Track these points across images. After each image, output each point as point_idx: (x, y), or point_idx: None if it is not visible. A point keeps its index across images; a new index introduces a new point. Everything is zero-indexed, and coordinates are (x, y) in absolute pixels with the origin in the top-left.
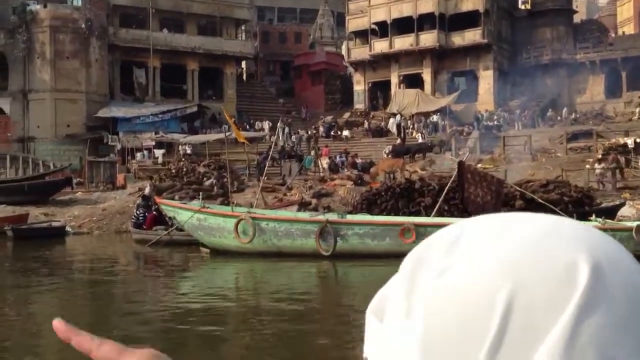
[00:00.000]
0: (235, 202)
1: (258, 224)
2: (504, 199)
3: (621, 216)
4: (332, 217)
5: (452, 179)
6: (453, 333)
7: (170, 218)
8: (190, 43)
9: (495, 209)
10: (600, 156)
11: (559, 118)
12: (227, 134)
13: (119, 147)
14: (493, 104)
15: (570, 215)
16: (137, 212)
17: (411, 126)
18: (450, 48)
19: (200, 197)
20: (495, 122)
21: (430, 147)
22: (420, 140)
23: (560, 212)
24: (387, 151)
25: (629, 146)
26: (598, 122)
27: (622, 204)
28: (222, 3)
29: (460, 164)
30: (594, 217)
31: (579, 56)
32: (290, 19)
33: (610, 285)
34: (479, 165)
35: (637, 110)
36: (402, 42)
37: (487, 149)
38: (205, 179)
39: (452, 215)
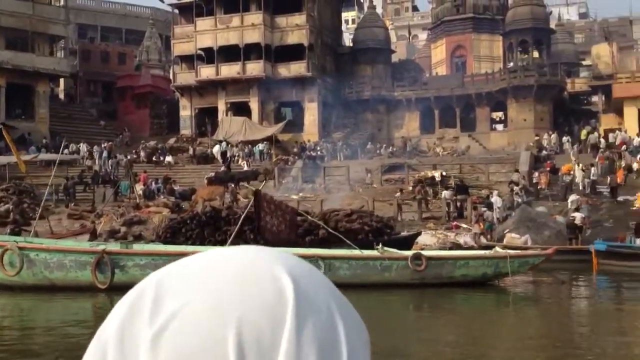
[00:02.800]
0: (35, 230)
1: (27, 255)
2: (307, 227)
3: (424, 245)
4: (114, 247)
5: (247, 207)
6: None
7: None
8: None
9: (289, 237)
10: (411, 188)
11: (377, 151)
12: (34, 155)
13: None
14: (318, 134)
15: (370, 243)
16: None
17: (237, 154)
18: (276, 78)
19: None
20: (319, 153)
21: (255, 175)
22: (245, 168)
23: (350, 243)
24: (208, 179)
25: (437, 179)
26: (412, 156)
27: (419, 233)
28: (35, 17)
29: (257, 193)
30: (380, 246)
31: (396, 93)
32: (114, 39)
33: (312, 295)
34: (300, 194)
35: (443, 146)
36: (229, 70)
37: (310, 179)
38: (2, 204)
39: (253, 242)
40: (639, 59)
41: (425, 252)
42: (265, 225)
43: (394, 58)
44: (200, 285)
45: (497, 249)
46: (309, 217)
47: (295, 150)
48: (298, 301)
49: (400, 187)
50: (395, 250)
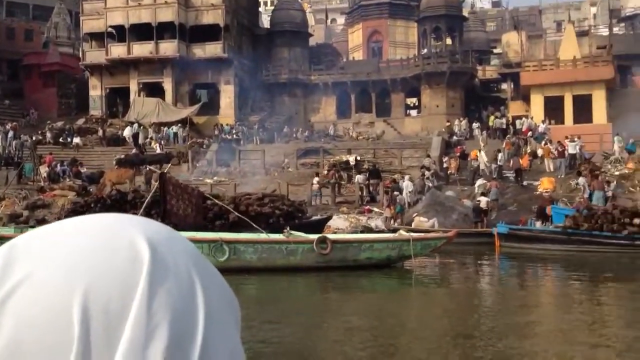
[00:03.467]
0: None
1: None
2: (218, 212)
3: (336, 228)
4: (6, 231)
5: (153, 191)
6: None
7: None
8: None
9: (196, 221)
10: (326, 172)
11: (294, 135)
12: None
13: None
14: (234, 117)
15: (282, 227)
16: None
17: (150, 136)
18: (191, 59)
19: None
20: (235, 136)
21: (168, 158)
22: (158, 151)
23: (257, 227)
24: (117, 161)
25: (351, 163)
26: (329, 140)
27: (329, 217)
28: None
29: (162, 176)
30: (287, 230)
31: (313, 77)
32: (21, 15)
33: (170, 263)
34: (215, 178)
35: (358, 131)
36: (142, 49)
37: (225, 162)
38: None
39: None
40: (547, 47)
41: (330, 236)
42: (171, 209)
43: (312, 41)
44: (52, 252)
45: (402, 232)
46: (216, 201)
47: (216, 133)
48: (153, 268)
49: (316, 171)
50: (301, 233)
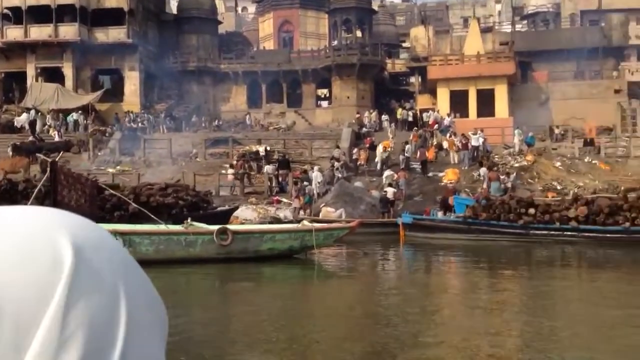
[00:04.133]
0: None
1: None
2: (116, 202)
3: (244, 219)
4: None
5: (42, 181)
6: None
7: None
8: None
9: (91, 212)
10: (235, 162)
11: (203, 125)
12: None
13: None
14: (139, 105)
15: (184, 218)
16: None
17: (48, 123)
18: (93, 44)
19: None
20: (140, 124)
21: (67, 146)
22: (56, 139)
23: (155, 218)
24: (11, 149)
25: (261, 154)
26: (239, 130)
27: (235, 208)
28: None
29: (53, 165)
30: (187, 221)
31: (223, 66)
32: None
33: (95, 269)
34: (118, 168)
35: (269, 122)
36: (40, 32)
37: (129, 151)
38: None
39: None
40: (453, 43)
41: (231, 227)
42: (62, 200)
43: (221, 29)
44: None
45: (305, 222)
46: (113, 192)
47: (122, 120)
48: (74, 276)
49: (225, 161)
50: (202, 224)
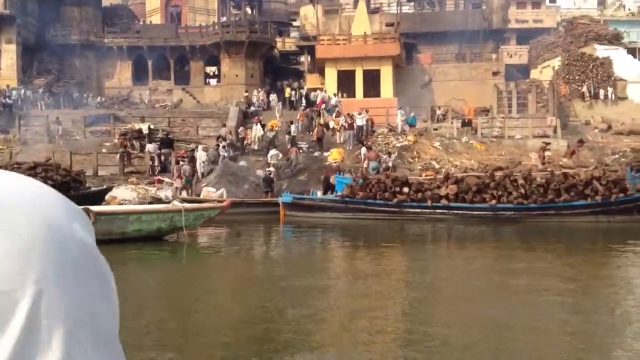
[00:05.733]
0: None
1: None
2: None
3: (123, 200)
4: None
5: None
6: None
7: None
8: None
9: None
10: (116, 140)
11: (84, 101)
12: None
13: None
14: (16, 80)
15: None
16: None
17: None
18: None
19: None
20: (16, 100)
21: None
22: None
23: None
24: None
25: (144, 132)
26: (123, 107)
27: (109, 188)
28: None
29: None
30: None
31: (107, 40)
32: None
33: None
34: None
35: (156, 99)
36: None
37: (3, 129)
38: None
39: None
40: (342, 23)
41: (93, 208)
42: None
43: (105, 2)
44: None
45: (175, 202)
46: None
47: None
48: None
49: (106, 140)
50: None
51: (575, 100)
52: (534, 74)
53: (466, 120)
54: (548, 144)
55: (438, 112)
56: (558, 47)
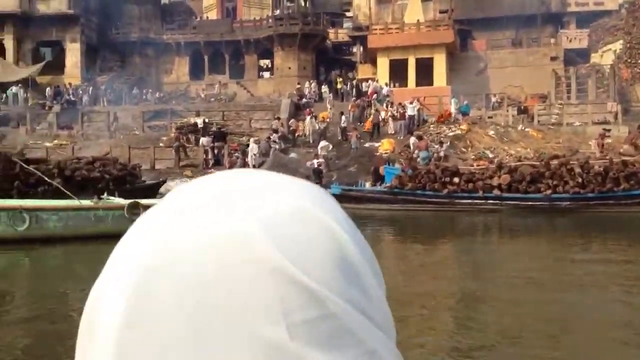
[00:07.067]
0: None
1: None
2: (38, 177)
3: None
4: None
5: None
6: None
7: None
8: None
9: (3, 187)
10: (172, 135)
11: (144, 97)
12: None
13: None
14: (80, 78)
15: (112, 193)
16: None
17: None
18: (35, 15)
19: None
20: (80, 97)
21: (6, 120)
22: None
23: (67, 192)
24: None
25: (199, 125)
26: (180, 102)
27: (164, 181)
28: None
29: None
30: (102, 196)
31: (165, 36)
32: None
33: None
34: (55, 141)
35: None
36: None
37: (68, 125)
38: None
39: None
40: (395, 11)
41: (143, 201)
42: None
43: None
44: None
45: None
46: (23, 165)
47: (49, 94)
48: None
49: (163, 134)
50: (118, 199)
51: (638, 84)
52: (595, 58)
53: (522, 107)
54: (608, 130)
55: (493, 99)
56: (620, 30)
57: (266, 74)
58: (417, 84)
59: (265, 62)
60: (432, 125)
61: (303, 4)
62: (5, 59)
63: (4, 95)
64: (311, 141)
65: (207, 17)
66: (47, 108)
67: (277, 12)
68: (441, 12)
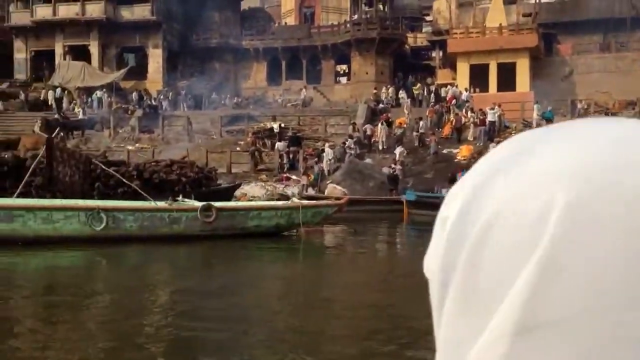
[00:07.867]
0: None
1: None
2: (118, 179)
3: (252, 196)
4: None
5: (38, 158)
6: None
7: None
8: None
9: (83, 188)
10: (249, 139)
11: (222, 102)
12: None
13: None
14: (162, 83)
15: (188, 195)
16: None
17: (74, 101)
18: (119, 22)
19: None
20: (162, 102)
21: (91, 124)
22: (80, 117)
23: (144, 194)
24: (37, 126)
25: (275, 130)
26: (257, 107)
27: (238, 185)
28: None
29: (49, 142)
30: (177, 198)
31: (244, 42)
32: None
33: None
34: (137, 145)
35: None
36: (67, 10)
37: (149, 129)
38: None
39: (39, 196)
40: (476, 15)
41: (216, 204)
42: (57, 176)
43: (244, 5)
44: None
45: (294, 199)
46: (102, 167)
47: (135, 98)
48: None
49: (240, 138)
50: (190, 201)
51: None
52: None
53: (610, 114)
54: None
55: (579, 105)
56: None
57: (343, 79)
58: (499, 89)
59: (342, 67)
60: (513, 132)
61: (382, 8)
62: (90, 64)
63: (90, 100)
64: (382, 147)
65: (285, 23)
66: (129, 112)
67: (355, 17)
68: (524, 15)
